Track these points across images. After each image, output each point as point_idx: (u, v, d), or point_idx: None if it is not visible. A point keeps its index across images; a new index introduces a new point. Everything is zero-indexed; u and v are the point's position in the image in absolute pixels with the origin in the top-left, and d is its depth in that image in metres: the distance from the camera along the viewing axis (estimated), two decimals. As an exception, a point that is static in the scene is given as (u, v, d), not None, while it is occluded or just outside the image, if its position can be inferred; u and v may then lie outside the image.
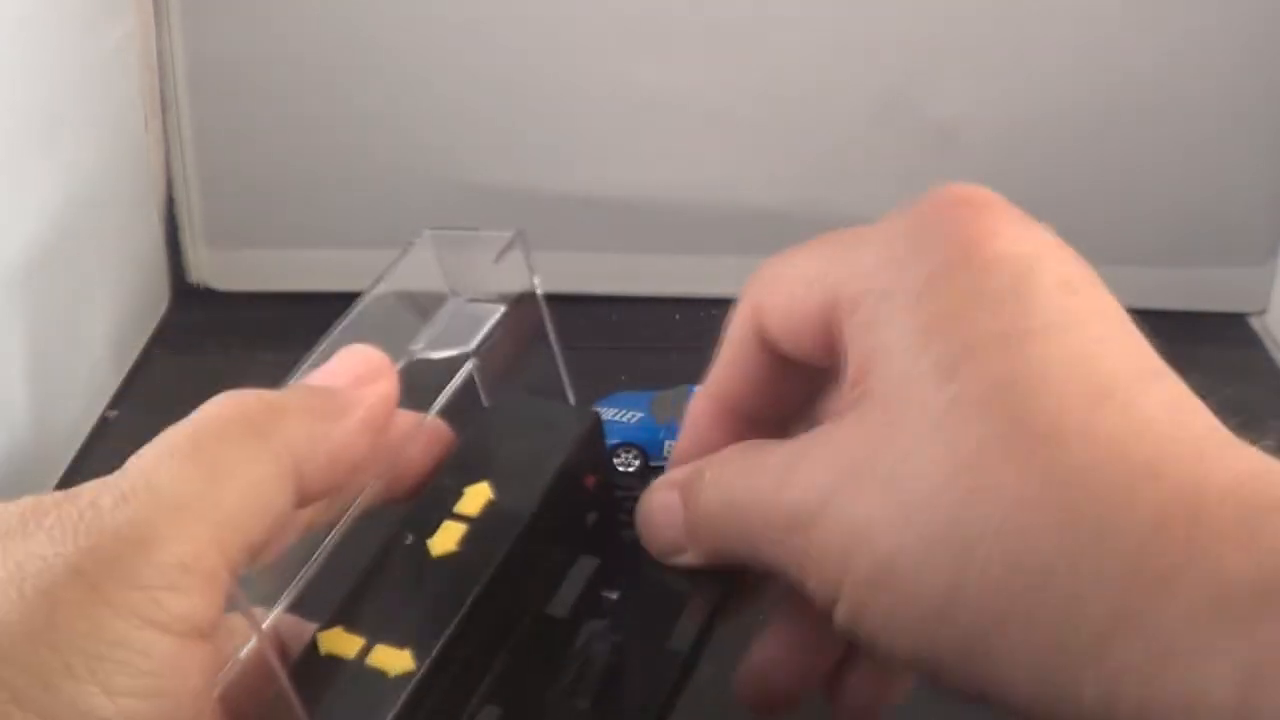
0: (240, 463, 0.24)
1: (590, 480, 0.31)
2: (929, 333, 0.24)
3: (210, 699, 0.24)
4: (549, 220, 0.65)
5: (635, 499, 0.31)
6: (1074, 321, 0.24)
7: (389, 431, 0.28)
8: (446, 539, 0.28)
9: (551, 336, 0.32)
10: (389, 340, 0.29)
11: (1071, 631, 0.21)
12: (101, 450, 0.54)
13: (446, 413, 0.31)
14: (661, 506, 0.30)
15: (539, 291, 0.31)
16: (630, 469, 0.53)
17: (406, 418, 0.29)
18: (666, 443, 0.52)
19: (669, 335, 0.64)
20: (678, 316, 0.65)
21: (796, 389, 0.30)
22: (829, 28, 0.61)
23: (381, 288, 0.30)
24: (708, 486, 0.28)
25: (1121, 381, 0.23)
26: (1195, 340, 0.64)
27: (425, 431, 0.30)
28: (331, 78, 0.62)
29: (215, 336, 0.62)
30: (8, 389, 0.49)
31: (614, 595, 0.30)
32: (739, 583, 0.30)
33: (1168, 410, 0.23)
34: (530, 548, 0.28)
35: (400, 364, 0.29)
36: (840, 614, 0.25)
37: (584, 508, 0.31)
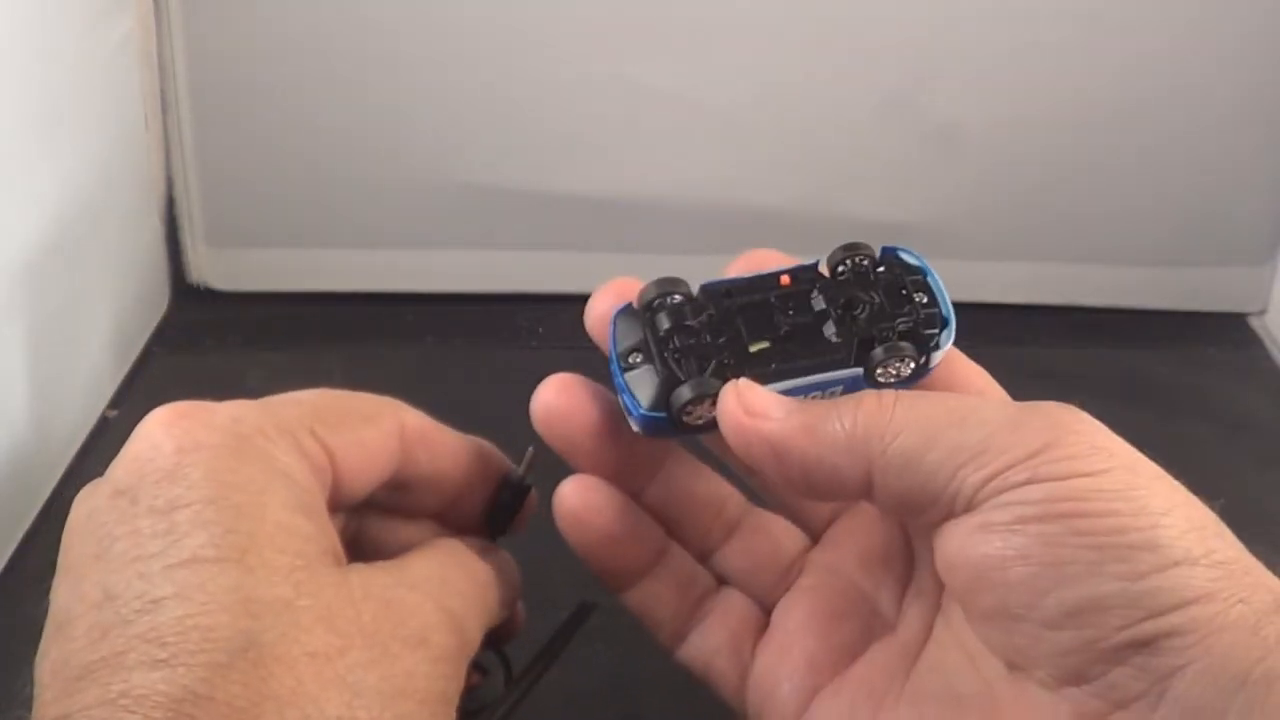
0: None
1: None
2: None
3: None
4: (549, 220, 0.65)
5: None
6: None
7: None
8: None
9: None
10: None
11: None
12: (102, 450, 0.54)
13: None
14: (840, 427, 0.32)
15: None
16: None
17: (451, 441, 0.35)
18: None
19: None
20: (678, 316, 0.65)
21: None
22: (829, 28, 0.61)
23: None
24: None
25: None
26: (1195, 340, 0.64)
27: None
28: (332, 78, 0.62)
29: (215, 336, 0.62)
30: (8, 389, 0.49)
31: None
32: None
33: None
34: None
35: None
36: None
37: None
